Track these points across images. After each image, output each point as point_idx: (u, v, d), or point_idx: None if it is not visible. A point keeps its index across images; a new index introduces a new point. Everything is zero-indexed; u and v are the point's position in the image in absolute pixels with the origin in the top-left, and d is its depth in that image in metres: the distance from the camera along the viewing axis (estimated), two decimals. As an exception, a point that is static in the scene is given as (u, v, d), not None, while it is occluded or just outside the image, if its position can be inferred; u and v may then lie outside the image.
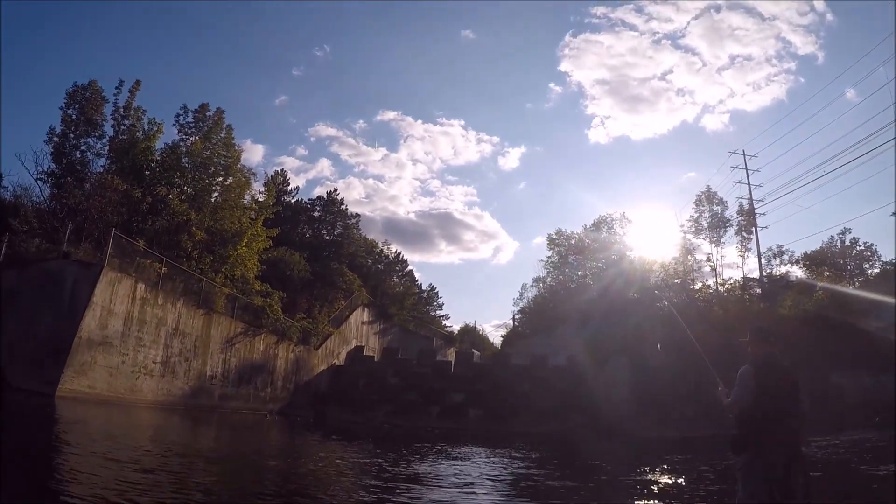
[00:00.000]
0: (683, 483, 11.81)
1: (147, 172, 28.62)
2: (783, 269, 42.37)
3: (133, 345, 21.78)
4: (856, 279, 39.20)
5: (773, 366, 4.84)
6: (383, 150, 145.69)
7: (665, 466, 14.82)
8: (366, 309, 45.37)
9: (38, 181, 26.89)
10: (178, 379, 24.40)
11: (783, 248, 42.75)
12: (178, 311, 24.47)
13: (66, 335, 18.98)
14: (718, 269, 41.63)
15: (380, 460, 14.28)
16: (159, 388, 23.14)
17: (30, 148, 38.70)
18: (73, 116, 28.21)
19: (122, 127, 29.05)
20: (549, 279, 48.87)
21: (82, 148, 28.41)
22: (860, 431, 20.57)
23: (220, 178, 31.59)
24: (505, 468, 13.82)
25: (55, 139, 27.81)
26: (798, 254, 42.80)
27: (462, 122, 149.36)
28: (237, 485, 8.94)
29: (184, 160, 30.03)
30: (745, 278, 41.35)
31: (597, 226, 46.33)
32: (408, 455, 15.58)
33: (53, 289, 19.72)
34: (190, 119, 31.10)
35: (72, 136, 28.13)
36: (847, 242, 42.44)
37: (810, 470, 4.72)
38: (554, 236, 48.16)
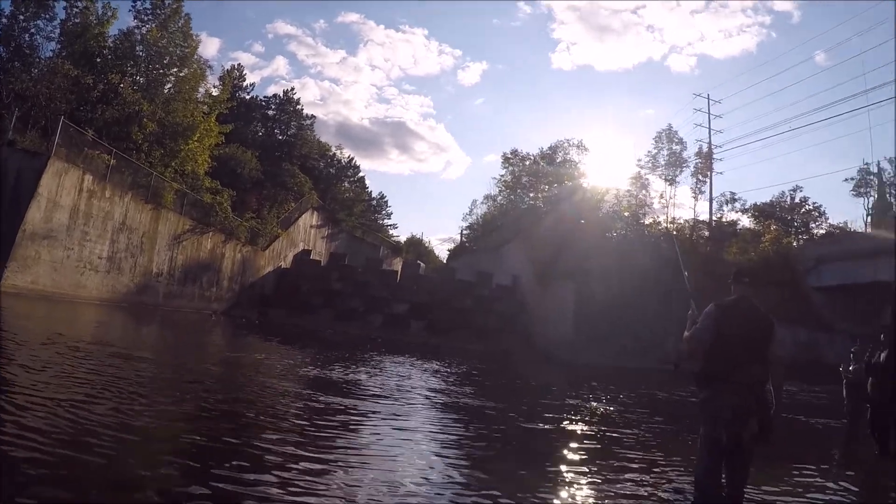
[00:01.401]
0: (611, 410, 12.07)
1: (99, 59, 27.22)
2: (733, 216, 43.42)
3: (79, 239, 21.30)
4: (801, 236, 40.41)
5: (739, 308, 4.79)
6: (342, 53, 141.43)
7: (593, 393, 15.28)
8: (315, 212, 45.07)
9: (-17, 66, 25.25)
10: (124, 275, 24.10)
11: (735, 196, 43.65)
12: (125, 205, 23.90)
13: (10, 228, 18.33)
14: (670, 208, 42.50)
15: (307, 365, 14.41)
16: (104, 284, 22.84)
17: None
18: (24, -3, 26.23)
19: (75, 10, 27.17)
20: (500, 198, 49.12)
21: (32, 31, 26.62)
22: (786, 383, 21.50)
23: (175, 70, 30.18)
24: (426, 381, 14.09)
25: (3, 20, 25.91)
26: (749, 204, 43.85)
27: (425, 32, 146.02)
28: (131, 382, 8.55)
29: (138, 48, 28.57)
30: (694, 220, 42.32)
31: (553, 150, 46.36)
32: (337, 362, 15.79)
33: (-3, 178, 18.88)
34: (147, 5, 29.35)
35: (21, 17, 26.18)
36: (797, 200, 43.63)
37: (771, 417, 4.66)
38: (509, 155, 48.14)
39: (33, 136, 21.22)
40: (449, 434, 8.10)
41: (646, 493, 5.73)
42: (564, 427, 9.43)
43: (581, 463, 6.91)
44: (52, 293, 19.81)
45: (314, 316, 34.52)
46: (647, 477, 6.46)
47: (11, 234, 18.31)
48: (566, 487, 5.74)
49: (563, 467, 6.58)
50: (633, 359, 26.45)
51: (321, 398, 9.55)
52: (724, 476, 4.67)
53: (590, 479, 6.15)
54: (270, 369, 12.77)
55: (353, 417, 8.36)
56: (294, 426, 7.32)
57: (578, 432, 9.13)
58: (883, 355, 8.92)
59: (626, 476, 6.40)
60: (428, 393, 11.98)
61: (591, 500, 5.44)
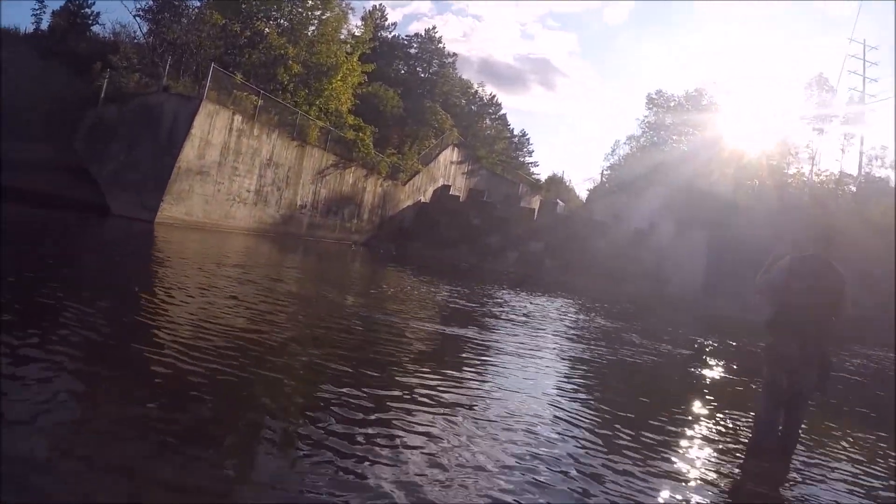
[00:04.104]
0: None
1: (244, 6, 28.89)
2: (882, 173, 39.77)
3: (229, 174, 23.35)
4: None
5: (814, 263, 4.92)
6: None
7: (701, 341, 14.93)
8: (455, 149, 45.96)
9: (137, 17, 27.56)
10: (270, 207, 26.18)
11: (886, 150, 39.84)
12: (272, 142, 25.73)
13: (166, 165, 20.52)
14: (816, 159, 39.63)
15: (442, 296, 15.13)
16: (251, 215, 25.01)
17: (127, -15, 39.25)
18: (171, -50, 28.33)
19: (220, -39, 28.96)
20: (643, 139, 47.73)
21: (180, -18, 28.79)
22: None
23: (318, 12, 31.60)
24: (555, 320, 14.23)
25: (151, -26, 28.24)
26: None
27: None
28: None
29: (281, -8, 30.09)
30: (841, 173, 39.16)
31: (699, 92, 44.23)
32: (470, 294, 16.53)
33: (153, 121, 21.11)
34: (287, -49, 30.57)
35: (169, -30, 28.43)
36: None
37: (830, 370, 4.87)
38: (654, 96, 46.50)
39: (186, 82, 23.28)
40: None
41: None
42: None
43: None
44: (204, 223, 22.11)
45: (451, 250, 35.74)
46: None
47: (168, 171, 20.47)
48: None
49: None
50: (759, 312, 25.38)
51: (448, 330, 10.06)
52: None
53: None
54: (409, 300, 13.59)
55: (481, 353, 8.43)
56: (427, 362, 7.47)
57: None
58: None
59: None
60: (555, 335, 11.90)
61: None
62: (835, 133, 40.51)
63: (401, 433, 4.45)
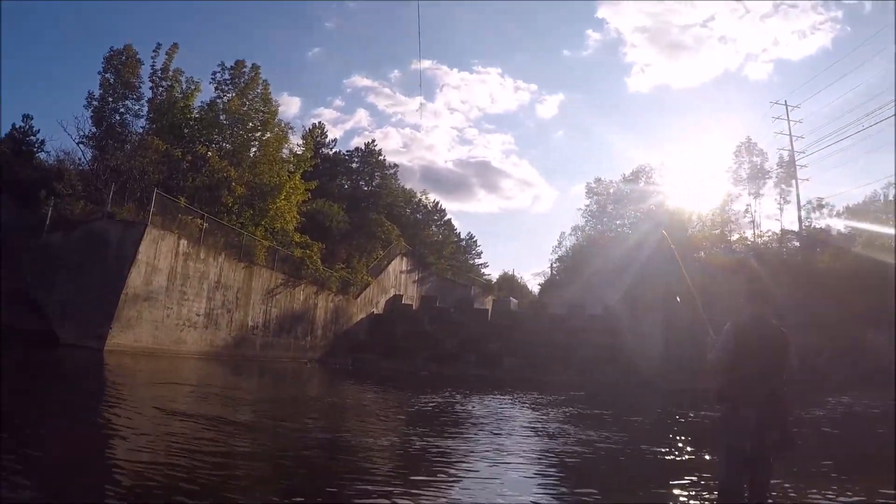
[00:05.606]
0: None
1: (186, 131, 29.40)
2: (823, 223, 41.49)
3: (177, 299, 22.85)
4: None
5: (756, 325, 5.04)
6: (420, 100, 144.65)
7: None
8: (404, 258, 46.17)
9: (80, 145, 27.92)
10: (221, 330, 25.54)
11: (823, 201, 41.69)
12: (219, 264, 25.42)
13: (113, 292, 20.02)
14: (757, 221, 41.18)
15: (399, 406, 15.00)
16: (203, 339, 24.32)
17: (71, 114, 39.81)
18: (111, 80, 28.98)
19: (160, 88, 29.70)
20: (587, 228, 49.02)
21: (121, 110, 29.34)
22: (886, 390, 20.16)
23: (258, 134, 32.19)
24: (517, 418, 14.25)
25: (94, 103, 28.73)
26: (839, 207, 41.70)
27: (499, 70, 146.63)
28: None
29: (221, 117, 30.68)
30: (782, 230, 40.73)
31: (635, 175, 45.97)
32: (428, 401, 16.33)
33: (99, 248, 20.77)
34: (226, 76, 31.52)
35: (110, 99, 28.99)
36: (891, 197, 41.30)
37: (794, 427, 5.00)
38: (593, 185, 48.16)
39: (130, 208, 23.07)
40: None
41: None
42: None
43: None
44: (154, 349, 21.38)
45: (409, 359, 35.09)
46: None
47: (115, 298, 19.96)
48: None
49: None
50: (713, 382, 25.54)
51: (415, 438, 10.05)
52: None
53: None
54: (366, 411, 13.50)
55: (447, 458, 8.52)
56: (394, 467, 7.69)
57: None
58: None
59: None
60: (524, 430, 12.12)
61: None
62: (770, 194, 42.11)
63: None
